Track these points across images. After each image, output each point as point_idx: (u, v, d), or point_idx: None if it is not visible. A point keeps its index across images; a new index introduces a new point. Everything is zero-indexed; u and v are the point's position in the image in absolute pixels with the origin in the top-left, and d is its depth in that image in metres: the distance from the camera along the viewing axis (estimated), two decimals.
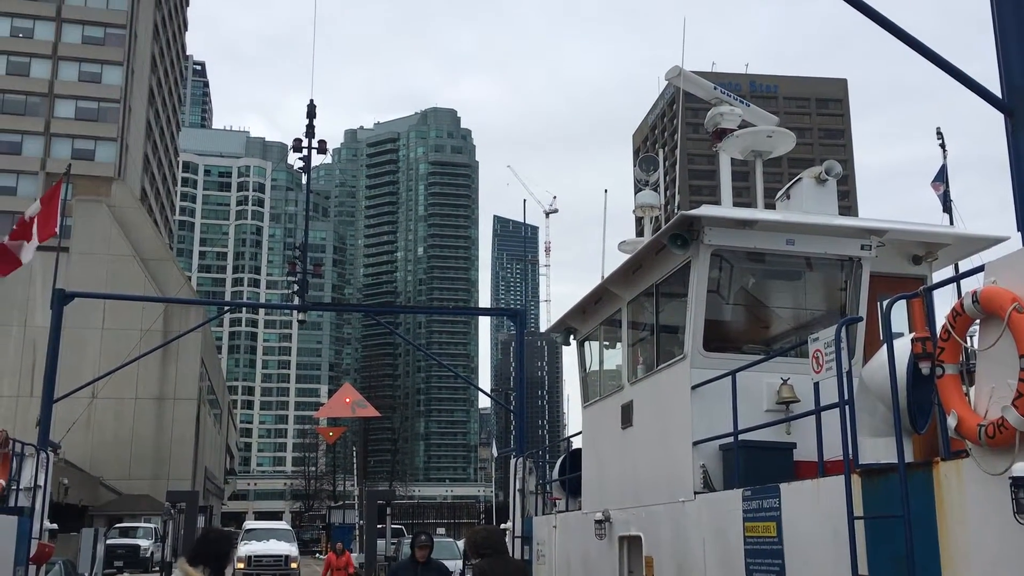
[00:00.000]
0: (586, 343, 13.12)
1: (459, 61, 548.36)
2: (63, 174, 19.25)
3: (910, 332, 6.35)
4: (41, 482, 14.59)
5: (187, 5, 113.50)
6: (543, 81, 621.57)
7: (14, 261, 16.82)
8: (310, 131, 18.11)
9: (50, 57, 76.71)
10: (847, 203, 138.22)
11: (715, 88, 12.12)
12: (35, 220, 17.18)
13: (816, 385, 7.08)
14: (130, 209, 72.08)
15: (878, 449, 6.31)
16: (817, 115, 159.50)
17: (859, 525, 6.18)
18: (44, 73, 76.37)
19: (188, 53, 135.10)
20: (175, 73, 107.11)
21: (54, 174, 71.73)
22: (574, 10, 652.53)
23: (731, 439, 8.40)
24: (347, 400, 36.07)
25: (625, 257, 11.06)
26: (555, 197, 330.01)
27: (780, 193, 10.64)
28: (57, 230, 17.61)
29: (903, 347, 6.06)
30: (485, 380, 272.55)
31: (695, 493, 8.90)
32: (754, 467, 8.17)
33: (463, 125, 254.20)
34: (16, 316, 62.38)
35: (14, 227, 17.50)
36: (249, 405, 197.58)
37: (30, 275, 60.65)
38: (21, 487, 14.14)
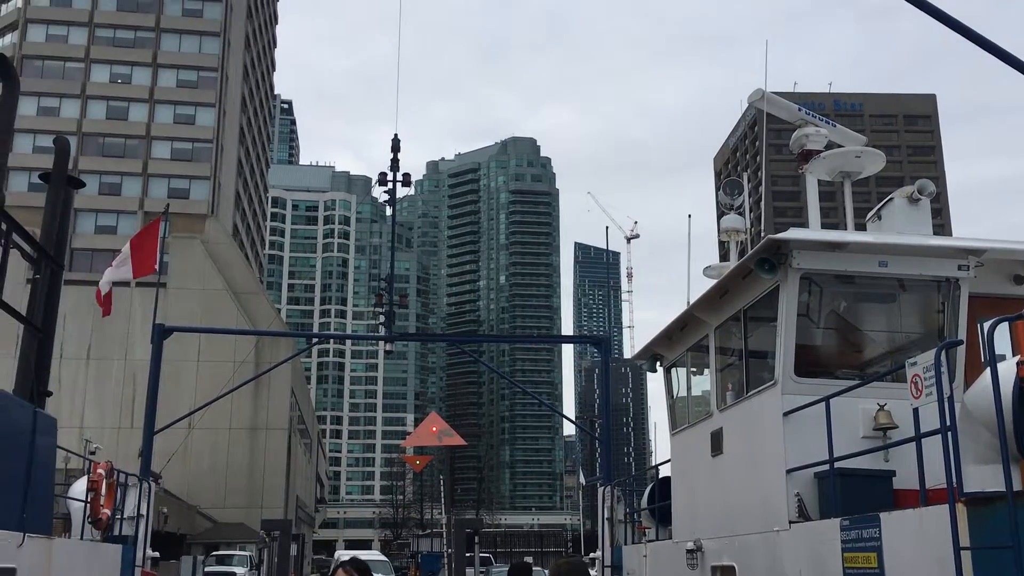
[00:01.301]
0: (673, 370, 12.99)
1: (539, 91, 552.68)
2: (161, 213, 20.01)
3: (1014, 355, 6.13)
4: (144, 511, 15.08)
5: (274, 46, 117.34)
6: (622, 107, 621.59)
7: (110, 298, 17.52)
8: (394, 165, 18.49)
9: (147, 101, 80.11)
10: (940, 221, 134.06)
11: (799, 109, 11.96)
12: (131, 256, 17.91)
13: (915, 411, 6.87)
14: (223, 245, 74.50)
15: (984, 476, 6.10)
16: (905, 132, 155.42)
17: (965, 556, 5.96)
18: (142, 116, 79.76)
19: (276, 93, 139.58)
20: (264, 112, 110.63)
21: (152, 213, 74.66)
22: (652, 36, 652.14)
23: (826, 467, 8.20)
24: (433, 429, 36.35)
25: (711, 282, 10.95)
26: (636, 222, 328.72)
27: (871, 214, 10.41)
28: (156, 267, 18.31)
29: (1007, 370, 5.86)
30: (569, 407, 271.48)
31: (790, 522, 8.70)
32: (852, 496, 7.95)
33: (543, 153, 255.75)
34: (117, 350, 64.83)
35: (111, 264, 18.24)
36: (338, 435, 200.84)
37: (129, 310, 63.10)
38: (125, 516, 14.64)
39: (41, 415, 10.77)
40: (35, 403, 11.00)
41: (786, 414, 8.90)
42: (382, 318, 18.86)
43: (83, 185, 13.88)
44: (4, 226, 10.23)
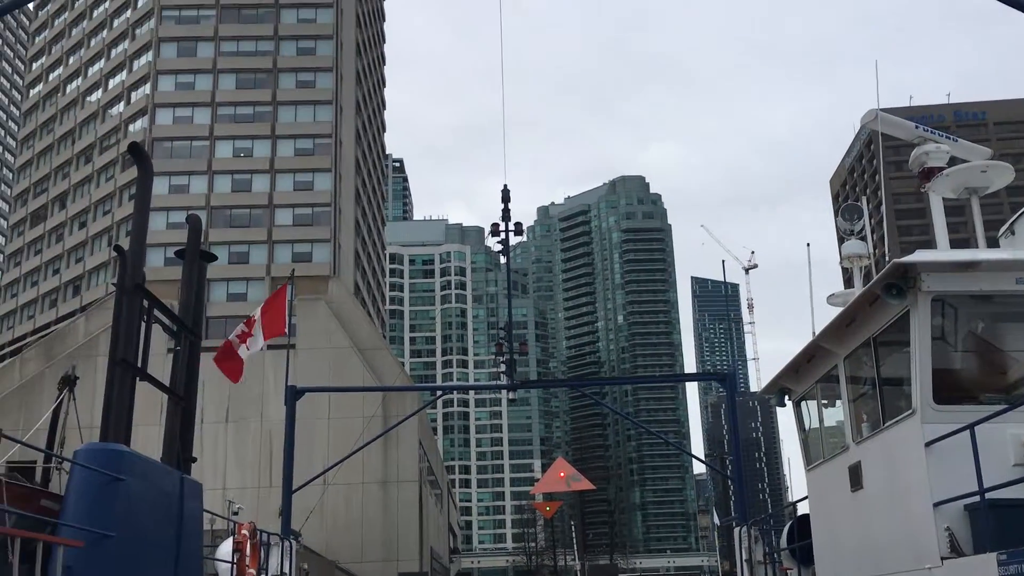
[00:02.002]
0: (803, 403, 12.62)
1: (645, 128, 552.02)
2: (286, 278, 20.83)
3: None
4: (287, 569, 15.53)
5: (384, 108, 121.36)
6: (730, 137, 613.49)
7: (240, 364, 18.28)
8: (505, 215, 18.77)
9: (268, 172, 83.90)
10: None
11: (917, 127, 11.59)
12: (260, 321, 18.69)
13: None
14: (346, 304, 76.72)
15: None
16: None
17: None
18: (264, 187, 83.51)
19: (387, 152, 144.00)
20: (377, 172, 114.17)
21: (278, 278, 77.72)
22: (756, 63, 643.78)
23: (977, 498, 7.79)
24: (561, 474, 36.14)
25: (836, 311, 10.65)
26: (753, 252, 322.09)
27: (1004, 228, 9.95)
28: (285, 330, 19.05)
29: None
30: (697, 444, 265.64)
31: (942, 559, 8.28)
32: (1007, 528, 7.53)
33: (653, 190, 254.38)
34: (253, 411, 67.29)
35: (242, 329, 19.03)
36: (467, 484, 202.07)
37: (263, 372, 65.59)
38: (269, 575, 15.10)
39: (187, 481, 11.29)
40: (181, 469, 11.55)
41: (928, 444, 8.52)
42: (503, 367, 19.02)
43: (215, 259, 14.63)
44: (146, 303, 10.88)
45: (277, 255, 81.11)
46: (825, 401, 12.08)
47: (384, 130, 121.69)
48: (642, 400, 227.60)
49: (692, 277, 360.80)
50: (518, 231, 18.85)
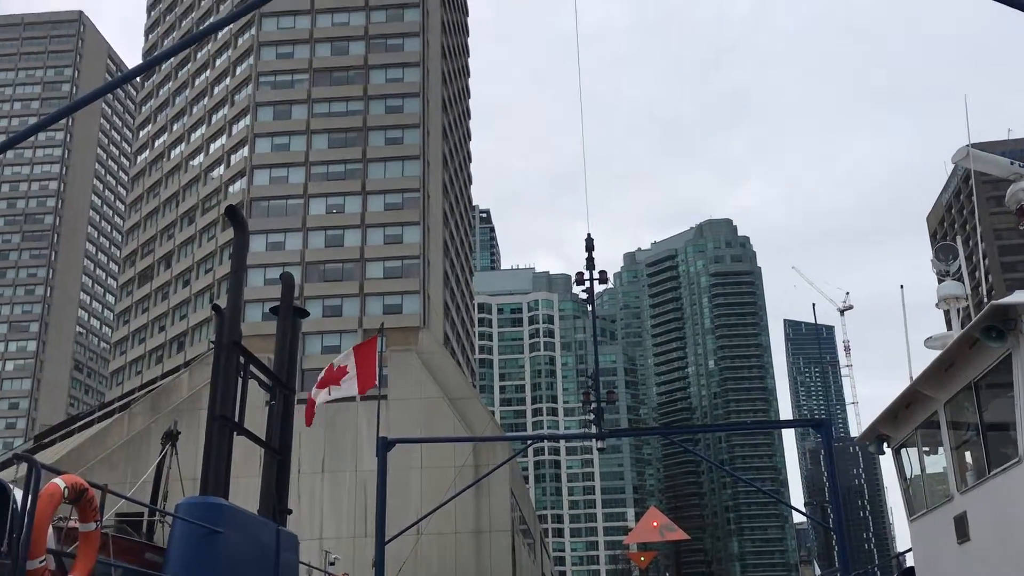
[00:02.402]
0: (903, 450, 12.20)
1: (730, 169, 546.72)
2: (377, 330, 21.25)
3: None
4: None
5: (470, 161, 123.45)
6: (819, 176, 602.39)
7: (311, 407, 18.68)
8: (590, 264, 18.83)
9: (359, 227, 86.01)
10: None
11: (1012, 163, 11.25)
12: (344, 368, 19.06)
13: None
14: (436, 354, 77.58)
15: None
16: None
17: None
18: (355, 241, 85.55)
19: (474, 203, 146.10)
20: (464, 224, 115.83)
21: (370, 330, 79.14)
22: (843, 100, 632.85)
23: None
24: (654, 524, 35.49)
25: (934, 354, 10.32)
26: (848, 293, 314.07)
27: None
28: (376, 382, 19.39)
29: None
30: (797, 491, 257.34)
31: None
32: None
33: (741, 232, 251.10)
34: (348, 462, 68.27)
35: (321, 375, 19.44)
36: (560, 533, 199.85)
37: (356, 422, 66.67)
38: None
39: (283, 533, 11.54)
40: (277, 521, 11.82)
41: None
42: (592, 415, 18.94)
43: (307, 314, 15.06)
44: (242, 359, 11.27)
45: (369, 307, 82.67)
46: (926, 448, 11.66)
47: (470, 182, 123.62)
48: (736, 446, 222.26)
49: (784, 320, 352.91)
50: (603, 279, 18.88)
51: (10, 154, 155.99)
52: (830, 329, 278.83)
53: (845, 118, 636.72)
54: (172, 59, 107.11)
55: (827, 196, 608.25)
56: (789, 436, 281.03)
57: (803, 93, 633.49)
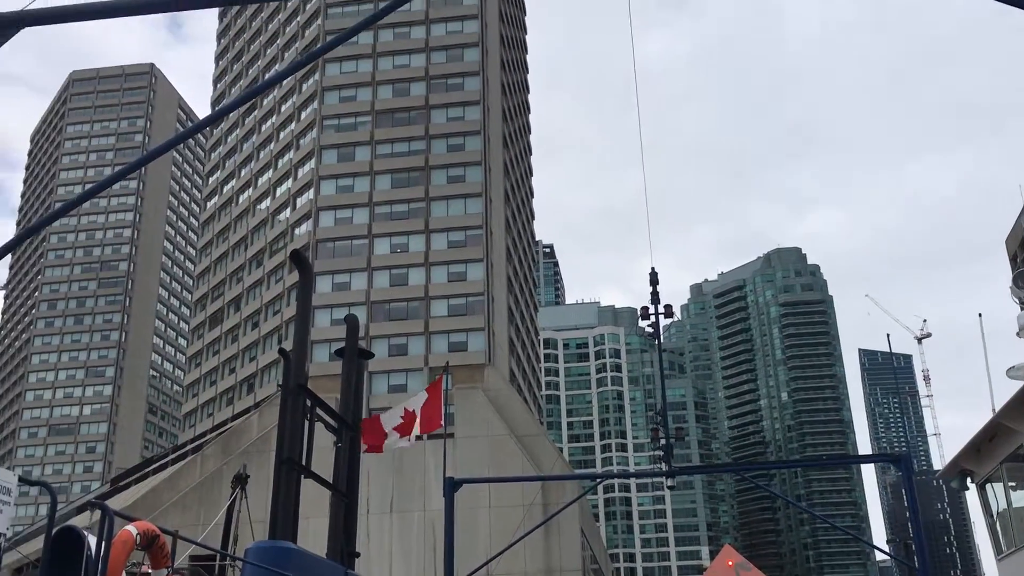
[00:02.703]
0: (988, 485, 11.67)
1: (798, 197, 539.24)
2: (443, 368, 21.28)
3: None
4: None
5: (532, 196, 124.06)
6: (891, 202, 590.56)
7: (379, 438, 18.66)
8: (655, 298, 18.60)
9: (423, 265, 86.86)
10: None
11: None
12: (418, 413, 19.08)
13: None
14: (502, 391, 77.50)
15: None
16: None
17: None
18: (420, 280, 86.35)
19: (537, 239, 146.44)
20: (528, 259, 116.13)
21: (436, 368, 79.51)
22: (913, 123, 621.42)
23: None
24: (729, 563, 34.70)
25: (1018, 385, 9.89)
26: (925, 321, 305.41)
27: None
28: (442, 423, 19.38)
29: None
30: (879, 526, 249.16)
31: None
32: None
33: (810, 261, 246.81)
34: (415, 502, 68.32)
35: (400, 418, 19.47)
36: (632, 572, 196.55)
37: (423, 462, 66.76)
38: None
39: (350, 575, 11.49)
40: (345, 564, 11.79)
41: None
42: (662, 452, 18.60)
43: (372, 356, 15.12)
44: (309, 402, 11.34)
45: (434, 345, 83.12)
46: (1012, 483, 11.14)
47: (533, 217, 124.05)
48: (814, 481, 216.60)
49: (860, 349, 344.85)
50: (668, 313, 18.63)
51: (86, 204, 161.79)
52: (907, 358, 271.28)
53: (913, 140, 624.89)
54: (241, 81, 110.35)
55: (898, 221, 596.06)
56: (869, 470, 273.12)
57: (869, 116, 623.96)
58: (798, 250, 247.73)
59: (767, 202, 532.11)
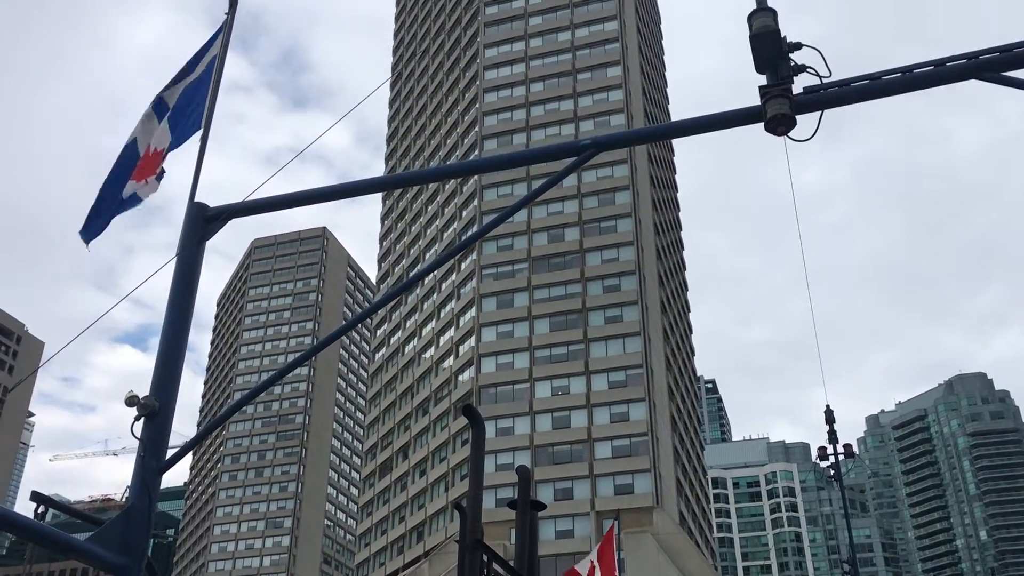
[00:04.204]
0: None
1: (984, 321, 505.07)
2: (610, 511, 20.93)
3: None
4: None
5: (691, 333, 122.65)
6: None
7: None
8: (832, 438, 17.86)
9: (584, 407, 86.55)
10: None
11: None
12: (595, 567, 18.73)
13: None
14: (672, 535, 74.75)
15: None
16: None
17: None
18: (582, 422, 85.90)
19: (699, 375, 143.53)
20: (691, 397, 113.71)
21: (603, 512, 77.80)
22: None
23: None
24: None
25: None
26: None
27: None
28: (616, 572, 18.91)
29: None
30: None
31: None
32: None
33: (998, 387, 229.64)
34: None
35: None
36: None
37: None
38: None
39: None
40: None
41: None
42: None
43: (544, 507, 15.06)
44: (485, 558, 11.38)
45: (600, 489, 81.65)
46: None
47: (693, 353, 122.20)
48: None
49: None
50: (848, 453, 17.82)
51: (266, 360, 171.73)
52: None
53: None
54: (403, 262, 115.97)
55: None
56: None
57: None
58: (983, 375, 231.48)
59: (946, 326, 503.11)
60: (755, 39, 7.18)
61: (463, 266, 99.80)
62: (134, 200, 8.47)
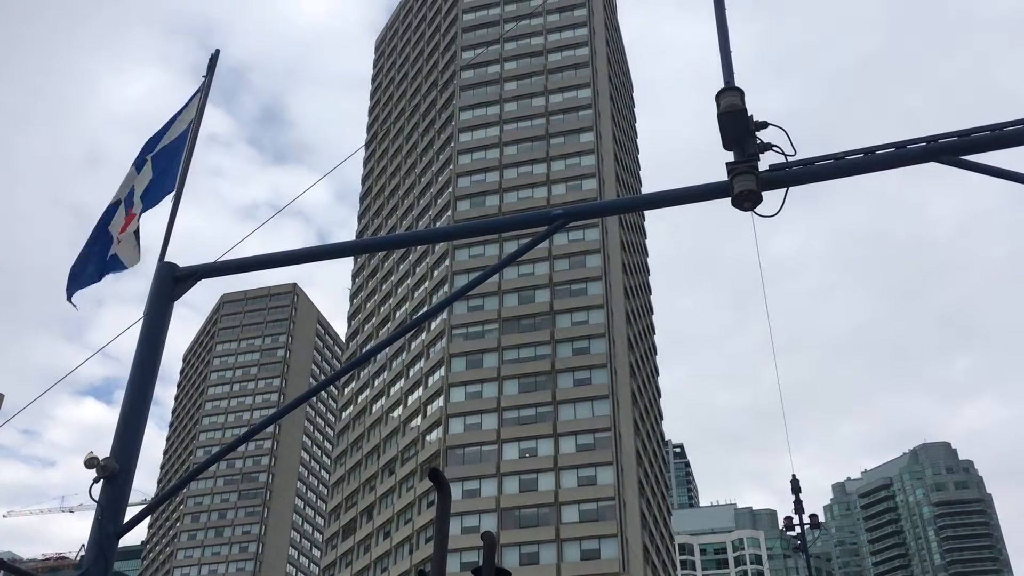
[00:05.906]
0: None
1: (953, 392, 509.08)
2: None
3: None
4: None
5: (659, 397, 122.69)
6: None
7: None
8: (798, 507, 17.85)
9: (552, 470, 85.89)
10: None
11: None
12: None
13: None
14: None
15: None
16: None
17: None
18: (549, 485, 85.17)
19: (667, 439, 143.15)
20: (659, 461, 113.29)
21: None
22: None
23: None
24: None
25: None
26: None
27: None
28: None
29: None
30: None
31: None
32: None
33: (963, 456, 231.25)
34: None
35: None
36: None
37: None
38: None
39: None
40: None
41: None
42: None
43: (509, 575, 14.87)
44: None
45: (566, 553, 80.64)
46: None
47: (662, 417, 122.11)
48: None
49: None
50: (814, 524, 17.78)
51: (231, 417, 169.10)
52: None
53: None
54: (374, 319, 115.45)
55: None
56: None
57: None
58: (947, 445, 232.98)
59: (915, 394, 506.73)
60: (722, 117, 7.35)
61: (433, 325, 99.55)
62: (116, 264, 8.52)
